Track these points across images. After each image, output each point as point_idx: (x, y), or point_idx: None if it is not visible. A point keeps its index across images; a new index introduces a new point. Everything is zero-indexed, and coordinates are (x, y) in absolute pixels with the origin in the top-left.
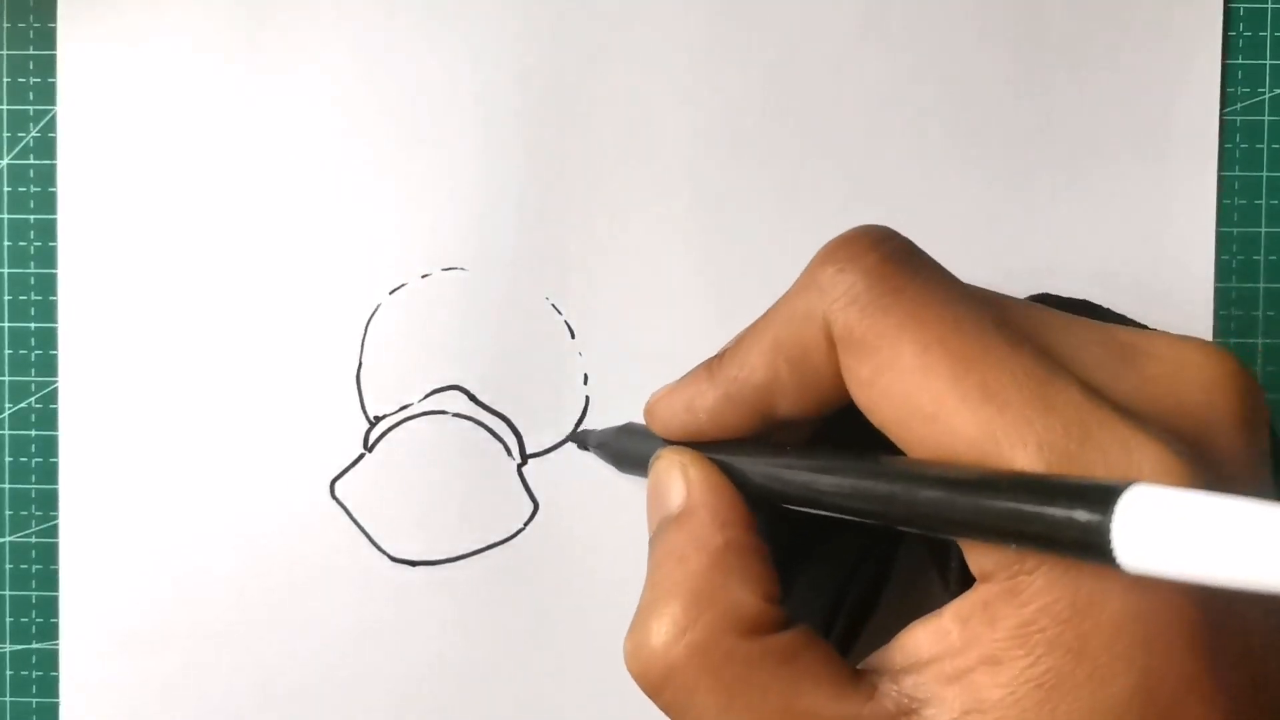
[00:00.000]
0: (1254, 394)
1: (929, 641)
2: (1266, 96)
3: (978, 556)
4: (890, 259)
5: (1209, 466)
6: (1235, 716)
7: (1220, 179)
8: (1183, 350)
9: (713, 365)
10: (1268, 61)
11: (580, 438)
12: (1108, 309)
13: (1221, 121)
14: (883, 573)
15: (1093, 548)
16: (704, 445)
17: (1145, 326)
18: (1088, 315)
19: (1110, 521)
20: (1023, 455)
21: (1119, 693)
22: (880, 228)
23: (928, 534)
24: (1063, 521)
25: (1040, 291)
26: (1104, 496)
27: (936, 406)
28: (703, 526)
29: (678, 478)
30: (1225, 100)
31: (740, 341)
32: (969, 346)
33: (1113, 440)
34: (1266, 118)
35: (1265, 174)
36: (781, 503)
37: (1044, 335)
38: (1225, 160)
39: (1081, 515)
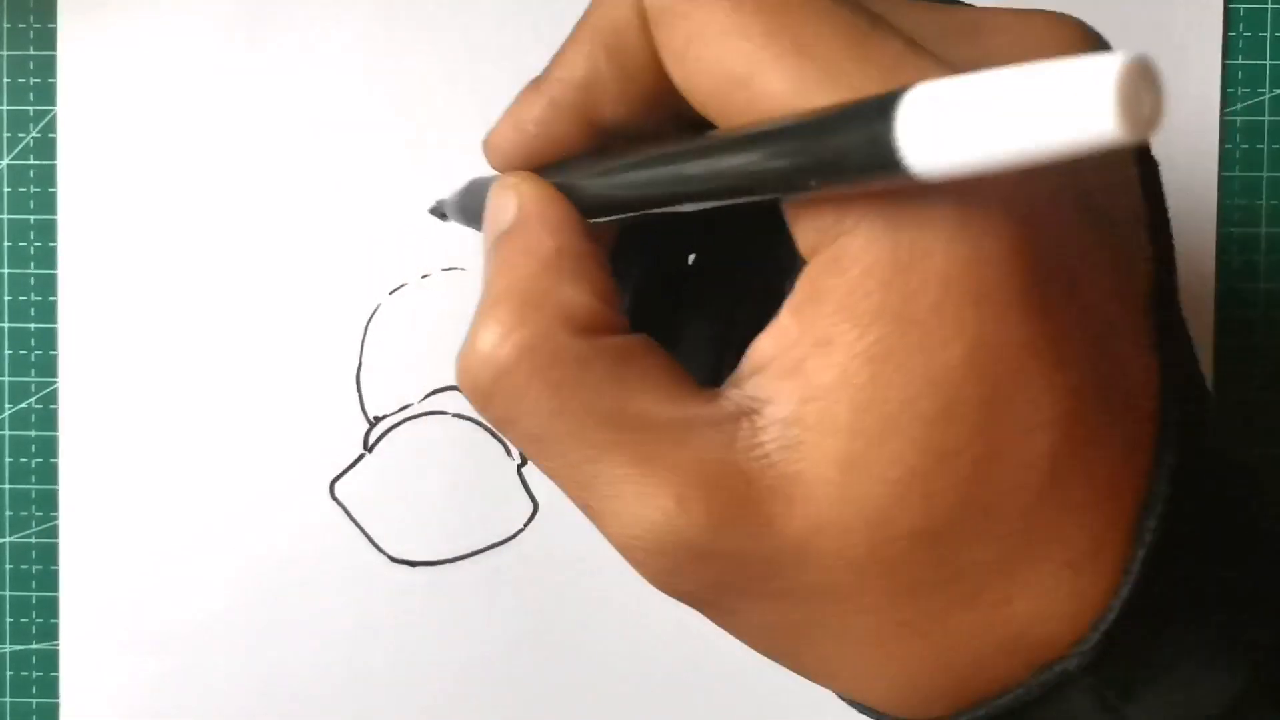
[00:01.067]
0: (1097, 49)
1: (770, 343)
2: (1266, 97)
3: (802, 230)
4: None
5: None
6: (1079, 391)
7: (1220, 179)
8: (1029, 21)
9: (538, 78)
10: (1268, 62)
11: (438, 210)
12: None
13: (1222, 122)
14: (766, 310)
15: (882, 160)
16: (544, 172)
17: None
18: None
19: (893, 125)
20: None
21: (955, 360)
22: None
23: (745, 201)
24: (848, 138)
25: None
26: (886, 104)
27: (749, 67)
28: (533, 233)
29: (510, 194)
30: (1225, 101)
31: (562, 45)
32: (784, 2)
33: None
34: (1266, 118)
35: (1265, 174)
36: (618, 211)
37: (877, 9)
38: (1225, 161)
39: (865, 126)
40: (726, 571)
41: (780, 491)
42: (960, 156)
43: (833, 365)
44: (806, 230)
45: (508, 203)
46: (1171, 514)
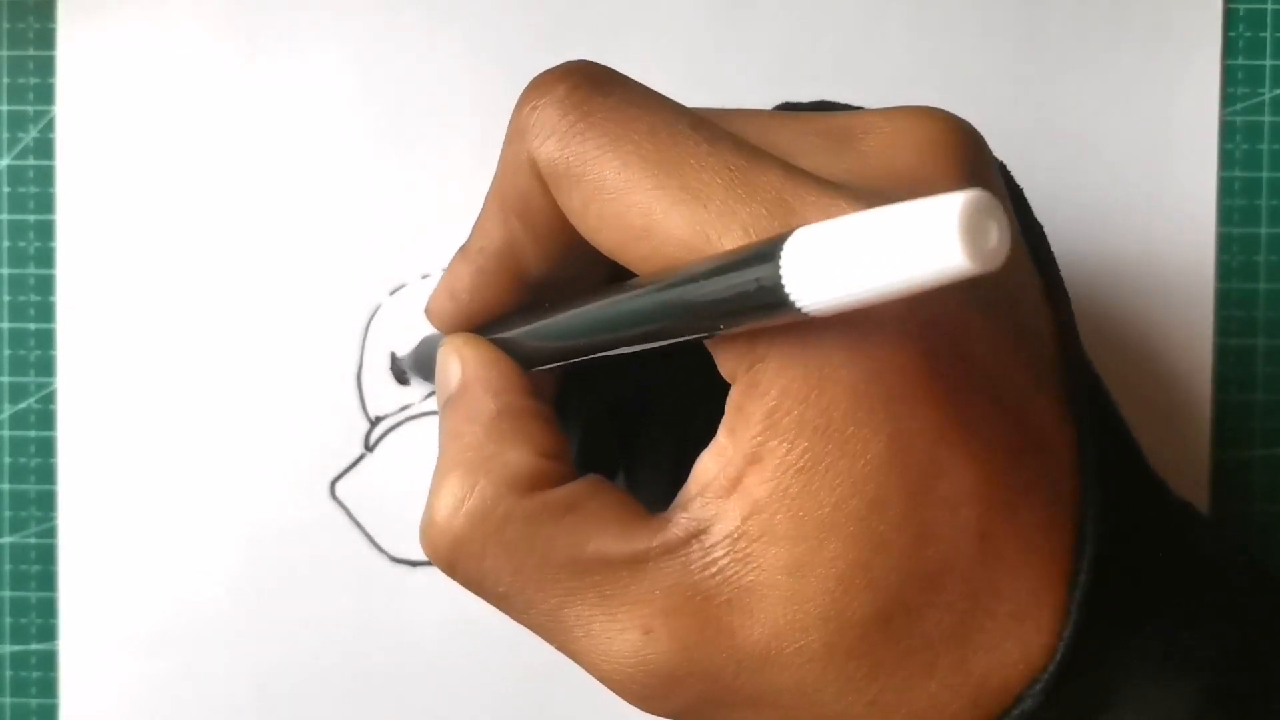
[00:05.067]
0: (970, 146)
1: (711, 463)
2: (1266, 97)
3: (723, 361)
4: (580, 85)
5: None
6: (998, 462)
7: (1220, 180)
8: (896, 119)
9: (463, 246)
10: (1267, 62)
11: (396, 370)
12: (845, 104)
13: (1221, 122)
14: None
15: (774, 300)
16: (484, 328)
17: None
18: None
19: (779, 268)
20: (731, 243)
21: (875, 458)
22: (571, 61)
23: (668, 344)
24: (743, 284)
25: (784, 101)
26: (772, 248)
27: (646, 218)
28: (475, 398)
29: (453, 359)
30: (1225, 101)
31: (479, 214)
32: (666, 152)
33: (814, 211)
34: (1266, 118)
35: (1265, 175)
36: (555, 360)
37: (754, 134)
38: (1225, 161)
39: (758, 271)
40: (701, 688)
41: (737, 604)
42: (840, 294)
43: (767, 480)
44: (725, 360)
45: (452, 368)
46: (1104, 553)
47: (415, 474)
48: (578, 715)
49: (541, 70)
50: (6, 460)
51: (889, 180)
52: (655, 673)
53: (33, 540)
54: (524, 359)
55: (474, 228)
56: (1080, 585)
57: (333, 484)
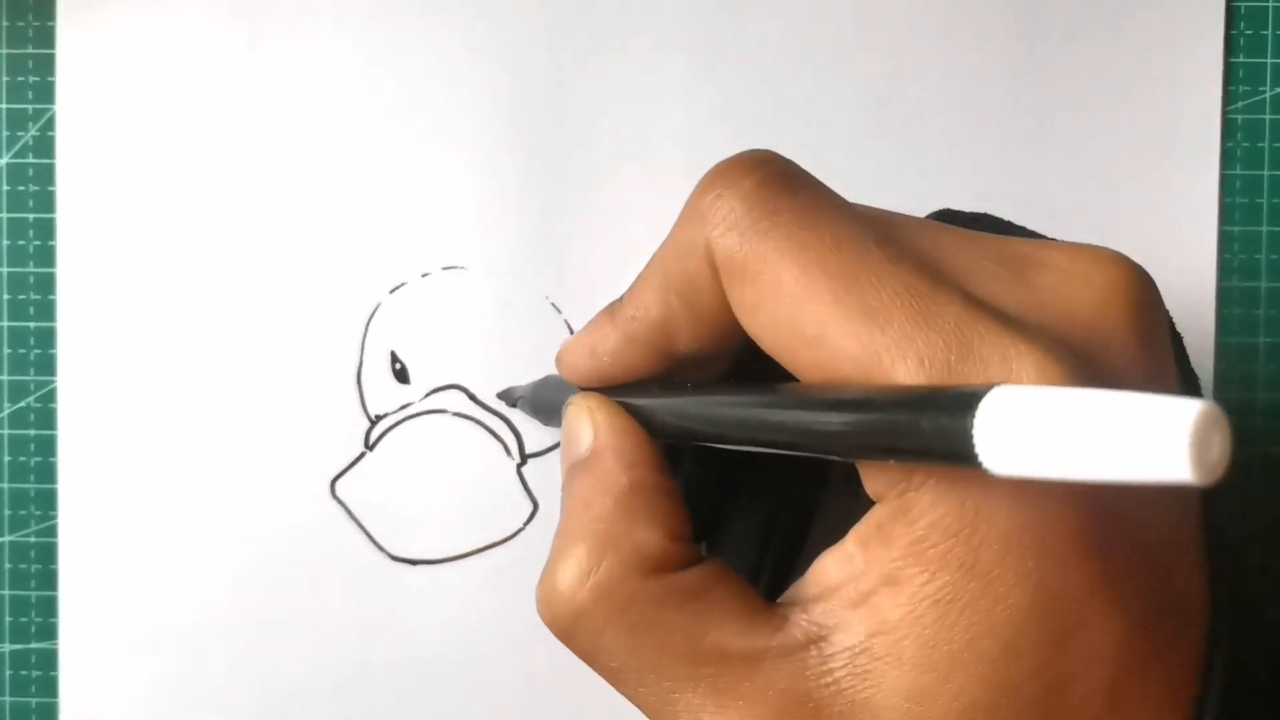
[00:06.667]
0: (1148, 299)
1: (835, 568)
2: (1268, 95)
3: (870, 479)
4: (768, 181)
5: (1097, 374)
6: (1138, 622)
7: (1222, 177)
8: (1076, 258)
9: (614, 308)
10: (1269, 60)
11: (507, 395)
12: (1009, 221)
13: (1223, 120)
14: (809, 511)
15: (959, 453)
16: (615, 389)
17: (1046, 238)
18: (988, 229)
19: (972, 425)
20: (904, 371)
21: (1017, 605)
22: (761, 151)
23: (821, 457)
24: (930, 430)
25: (943, 209)
26: (968, 401)
27: (819, 329)
28: (608, 469)
29: (585, 421)
30: (1227, 99)
31: (636, 281)
32: (849, 266)
33: (993, 350)
34: (1268, 116)
35: (1267, 172)
36: (689, 440)
37: (932, 251)
38: (1227, 159)
39: (946, 421)
40: None
41: (849, 717)
42: (1033, 466)
43: (901, 604)
44: (875, 480)
45: (584, 430)
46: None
47: (415, 473)
48: (576, 716)
49: (718, 161)
50: (7, 458)
51: (1065, 321)
52: None
53: (33, 539)
54: (653, 429)
55: (629, 293)
56: None
57: (333, 483)
